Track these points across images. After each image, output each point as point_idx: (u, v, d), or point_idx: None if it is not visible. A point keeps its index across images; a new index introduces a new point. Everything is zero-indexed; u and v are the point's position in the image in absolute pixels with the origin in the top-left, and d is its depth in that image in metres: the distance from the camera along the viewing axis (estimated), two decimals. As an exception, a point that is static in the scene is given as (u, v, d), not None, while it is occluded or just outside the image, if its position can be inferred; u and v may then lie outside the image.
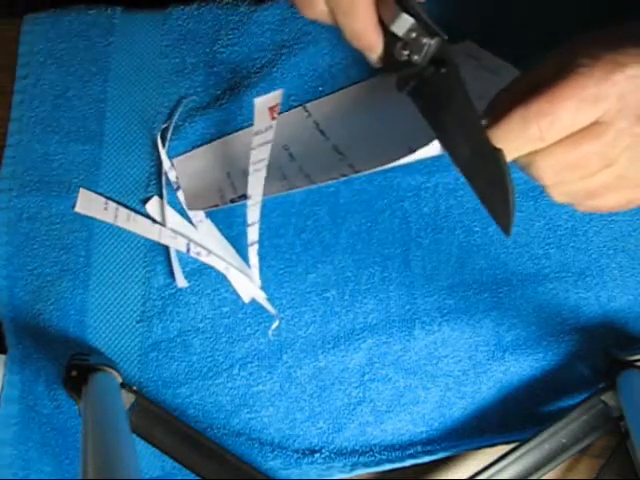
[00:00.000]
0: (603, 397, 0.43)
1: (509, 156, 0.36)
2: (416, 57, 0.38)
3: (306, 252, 0.49)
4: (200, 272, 0.49)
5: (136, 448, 0.41)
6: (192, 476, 0.45)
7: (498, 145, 0.36)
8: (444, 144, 0.38)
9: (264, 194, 0.44)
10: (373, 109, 0.51)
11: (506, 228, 0.36)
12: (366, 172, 0.43)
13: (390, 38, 0.38)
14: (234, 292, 0.49)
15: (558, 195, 0.39)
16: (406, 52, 0.38)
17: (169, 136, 0.51)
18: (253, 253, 0.47)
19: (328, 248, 0.49)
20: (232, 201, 0.48)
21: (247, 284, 0.49)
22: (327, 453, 0.47)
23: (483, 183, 0.37)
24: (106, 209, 0.49)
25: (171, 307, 0.49)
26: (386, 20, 0.38)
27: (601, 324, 0.48)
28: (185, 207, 0.49)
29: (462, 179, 0.50)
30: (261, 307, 0.49)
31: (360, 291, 0.49)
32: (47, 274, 0.49)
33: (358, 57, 0.53)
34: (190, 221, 0.49)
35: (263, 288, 0.49)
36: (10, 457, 0.47)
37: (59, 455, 0.47)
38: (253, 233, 0.46)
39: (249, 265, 0.48)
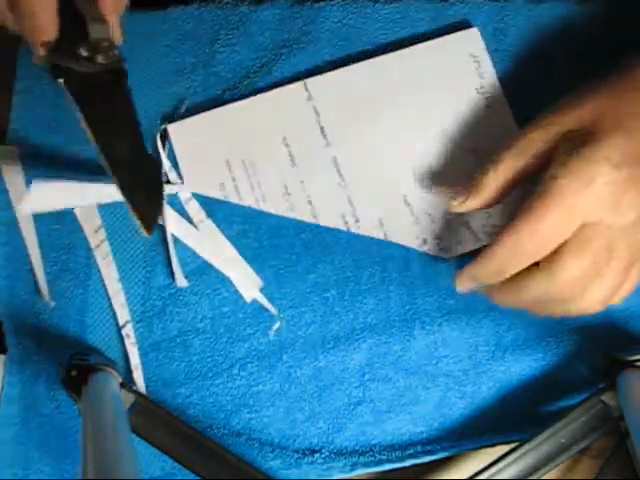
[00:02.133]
0: (603, 397, 0.43)
1: (509, 273, 0.41)
2: (100, 59, 0.41)
3: (306, 252, 0.49)
4: (200, 272, 0.49)
5: (136, 448, 0.41)
6: (192, 476, 0.45)
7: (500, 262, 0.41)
8: (99, 139, 0.42)
9: (264, 209, 0.46)
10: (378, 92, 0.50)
11: (149, 228, 0.42)
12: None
13: (73, 34, 0.40)
14: (234, 292, 0.49)
15: (588, 305, 0.41)
16: (88, 52, 0.41)
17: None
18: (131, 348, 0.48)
19: (328, 248, 0.49)
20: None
21: (248, 284, 0.49)
22: (327, 453, 0.47)
23: (134, 183, 0.42)
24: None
25: (171, 307, 0.49)
26: (88, 17, 0.40)
27: (601, 324, 0.48)
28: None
29: (462, 179, 0.51)
30: (261, 307, 0.49)
31: (360, 291, 0.49)
32: (47, 274, 0.49)
33: (358, 57, 0.53)
34: (191, 221, 0.49)
35: (263, 288, 0.49)
36: (10, 457, 0.47)
37: (59, 455, 0.47)
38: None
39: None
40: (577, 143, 0.39)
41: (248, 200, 0.49)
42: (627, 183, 0.38)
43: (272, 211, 0.49)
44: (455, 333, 0.48)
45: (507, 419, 0.47)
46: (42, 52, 0.40)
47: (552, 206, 0.38)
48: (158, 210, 0.45)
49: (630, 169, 0.38)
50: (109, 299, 0.49)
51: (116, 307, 0.48)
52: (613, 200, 0.38)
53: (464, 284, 0.44)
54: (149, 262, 0.49)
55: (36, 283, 0.49)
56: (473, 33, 0.51)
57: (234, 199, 0.49)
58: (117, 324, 0.48)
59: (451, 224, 0.48)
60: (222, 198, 0.49)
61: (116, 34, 0.42)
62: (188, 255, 0.49)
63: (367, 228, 0.49)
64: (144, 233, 0.42)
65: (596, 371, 0.47)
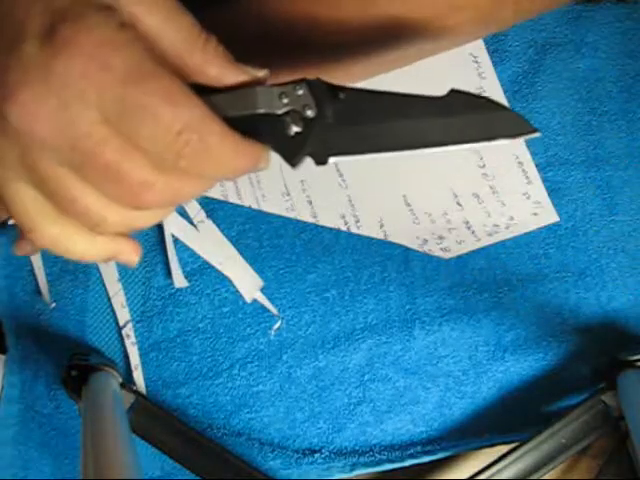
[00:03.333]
0: (603, 397, 0.43)
1: None
2: (308, 112, 0.32)
3: (306, 252, 0.49)
4: (200, 272, 0.49)
5: (136, 448, 0.41)
6: (192, 476, 0.45)
7: None
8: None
9: (264, 209, 0.45)
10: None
11: None
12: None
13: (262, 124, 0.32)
14: (234, 292, 0.49)
15: None
16: (292, 118, 0.32)
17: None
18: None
19: (328, 248, 0.49)
20: None
21: (249, 284, 0.49)
22: (327, 453, 0.47)
23: None
24: None
25: (171, 307, 0.49)
26: (240, 108, 0.32)
27: (601, 324, 0.48)
28: None
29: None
30: (261, 307, 0.49)
31: (360, 291, 0.49)
32: (47, 274, 0.49)
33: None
34: (191, 222, 0.49)
35: (264, 288, 0.49)
36: (10, 457, 0.47)
37: (59, 455, 0.47)
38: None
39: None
40: None
41: (248, 200, 0.49)
42: None
43: (272, 211, 0.49)
44: (455, 333, 0.48)
45: (507, 419, 0.47)
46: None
47: None
48: None
49: None
50: (109, 299, 0.49)
51: (116, 307, 0.48)
52: None
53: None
54: (149, 262, 0.49)
55: (36, 283, 0.49)
56: None
57: (234, 199, 0.49)
58: (117, 324, 0.48)
59: (451, 224, 0.48)
60: (222, 198, 0.49)
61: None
62: (188, 255, 0.49)
63: (367, 228, 0.49)
64: None
65: (596, 371, 0.46)
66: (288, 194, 0.49)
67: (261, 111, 0.31)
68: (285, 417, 0.48)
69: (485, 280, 0.48)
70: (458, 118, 0.33)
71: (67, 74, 0.27)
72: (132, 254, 0.34)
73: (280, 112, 0.32)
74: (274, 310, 0.48)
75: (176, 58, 0.31)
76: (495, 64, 0.50)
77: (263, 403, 0.48)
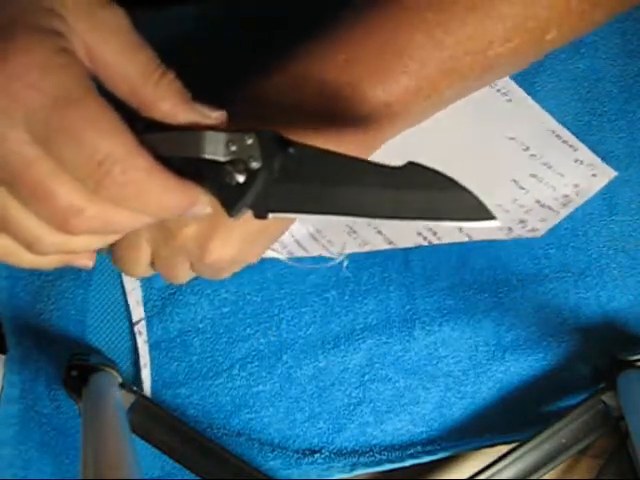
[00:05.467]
0: (603, 397, 0.43)
1: None
2: (254, 164, 0.31)
3: (306, 252, 0.49)
4: (200, 272, 0.49)
5: (136, 448, 0.41)
6: (192, 476, 0.45)
7: None
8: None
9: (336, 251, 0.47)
10: None
11: None
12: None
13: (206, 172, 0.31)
14: (234, 292, 0.49)
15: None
16: (237, 167, 0.31)
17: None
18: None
19: (328, 248, 0.49)
20: None
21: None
22: (327, 453, 0.47)
23: None
24: None
25: (171, 307, 0.49)
26: (185, 150, 0.31)
27: (601, 324, 0.48)
28: None
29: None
30: (261, 307, 0.49)
31: (360, 291, 0.49)
32: (47, 274, 0.49)
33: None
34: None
35: (263, 288, 0.49)
36: (10, 457, 0.47)
37: (59, 455, 0.47)
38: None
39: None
40: None
41: (316, 250, 0.48)
42: None
43: (347, 252, 0.48)
44: (455, 333, 0.48)
45: (507, 419, 0.47)
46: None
47: None
48: None
49: None
50: (111, 299, 0.49)
51: (131, 304, 0.48)
52: None
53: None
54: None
55: (37, 283, 0.49)
56: None
57: (301, 253, 0.48)
58: (117, 324, 0.48)
59: (525, 207, 0.48)
60: (287, 256, 0.48)
61: None
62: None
63: (448, 236, 0.48)
64: None
65: (596, 371, 0.46)
66: (354, 232, 0.48)
67: (205, 157, 0.31)
68: (285, 417, 0.47)
69: (485, 280, 0.48)
70: (410, 193, 0.31)
71: None
72: (85, 260, 0.35)
73: (224, 160, 0.31)
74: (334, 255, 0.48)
75: (129, 90, 0.31)
76: None
77: (263, 403, 0.48)
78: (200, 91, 0.33)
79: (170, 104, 0.31)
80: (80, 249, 0.33)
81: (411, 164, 0.31)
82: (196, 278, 0.49)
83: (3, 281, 0.49)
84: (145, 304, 0.49)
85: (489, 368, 0.47)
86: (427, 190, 0.31)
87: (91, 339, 0.48)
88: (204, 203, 0.32)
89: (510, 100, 0.50)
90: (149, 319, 0.49)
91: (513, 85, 0.50)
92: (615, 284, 0.48)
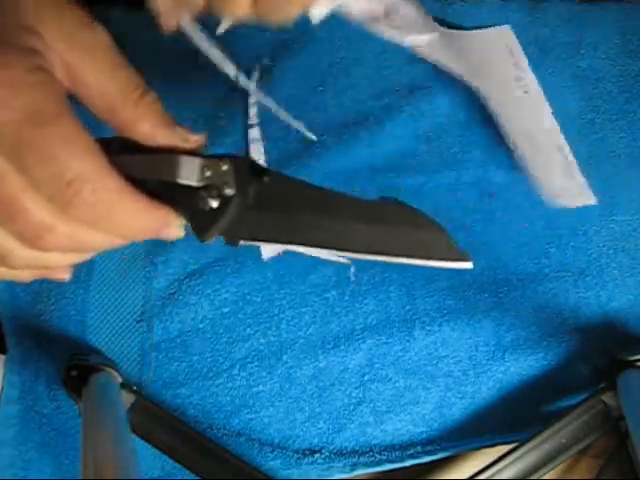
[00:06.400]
0: (603, 397, 0.43)
1: None
2: (228, 190, 0.31)
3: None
4: (200, 272, 0.49)
5: (136, 448, 0.41)
6: (192, 476, 0.45)
7: None
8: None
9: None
10: None
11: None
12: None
13: (181, 195, 0.31)
14: (234, 292, 0.49)
15: None
16: (210, 193, 0.31)
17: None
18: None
19: (328, 248, 0.49)
20: None
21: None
22: (327, 453, 0.47)
23: None
24: None
25: (171, 307, 0.49)
26: (160, 173, 0.31)
27: (601, 324, 0.48)
28: None
29: (463, 179, 0.51)
30: (261, 307, 0.49)
31: (360, 292, 0.49)
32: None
33: (358, 57, 0.53)
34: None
35: (263, 288, 0.49)
36: (10, 457, 0.47)
37: (59, 455, 0.47)
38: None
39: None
40: None
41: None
42: None
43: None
44: (455, 333, 0.48)
45: (507, 419, 0.47)
46: None
47: None
48: None
49: None
50: (111, 299, 0.49)
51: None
52: None
53: None
54: (149, 262, 0.49)
55: (37, 284, 0.49)
56: (506, 29, 0.52)
57: None
58: (117, 324, 0.48)
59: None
60: None
61: None
62: (188, 256, 0.49)
63: None
64: None
65: (596, 371, 0.46)
66: None
67: (180, 181, 0.31)
68: (285, 417, 0.47)
69: (485, 280, 0.48)
70: (383, 228, 0.31)
71: None
72: (61, 275, 0.34)
73: (199, 185, 0.31)
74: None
75: (108, 109, 0.31)
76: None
77: (263, 403, 0.48)
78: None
79: (149, 125, 0.31)
80: (53, 264, 0.32)
81: (389, 200, 0.31)
82: (196, 278, 0.49)
83: (4, 281, 0.49)
84: (145, 304, 0.49)
85: (489, 368, 0.47)
86: (401, 227, 0.31)
87: (91, 339, 0.48)
88: (178, 227, 0.32)
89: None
90: (149, 319, 0.49)
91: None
92: (615, 284, 0.48)
